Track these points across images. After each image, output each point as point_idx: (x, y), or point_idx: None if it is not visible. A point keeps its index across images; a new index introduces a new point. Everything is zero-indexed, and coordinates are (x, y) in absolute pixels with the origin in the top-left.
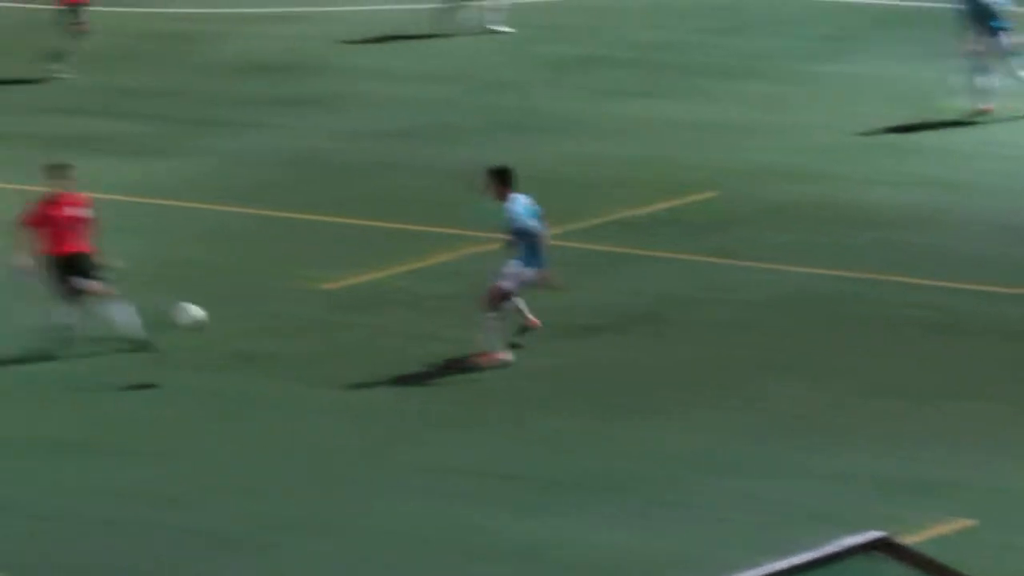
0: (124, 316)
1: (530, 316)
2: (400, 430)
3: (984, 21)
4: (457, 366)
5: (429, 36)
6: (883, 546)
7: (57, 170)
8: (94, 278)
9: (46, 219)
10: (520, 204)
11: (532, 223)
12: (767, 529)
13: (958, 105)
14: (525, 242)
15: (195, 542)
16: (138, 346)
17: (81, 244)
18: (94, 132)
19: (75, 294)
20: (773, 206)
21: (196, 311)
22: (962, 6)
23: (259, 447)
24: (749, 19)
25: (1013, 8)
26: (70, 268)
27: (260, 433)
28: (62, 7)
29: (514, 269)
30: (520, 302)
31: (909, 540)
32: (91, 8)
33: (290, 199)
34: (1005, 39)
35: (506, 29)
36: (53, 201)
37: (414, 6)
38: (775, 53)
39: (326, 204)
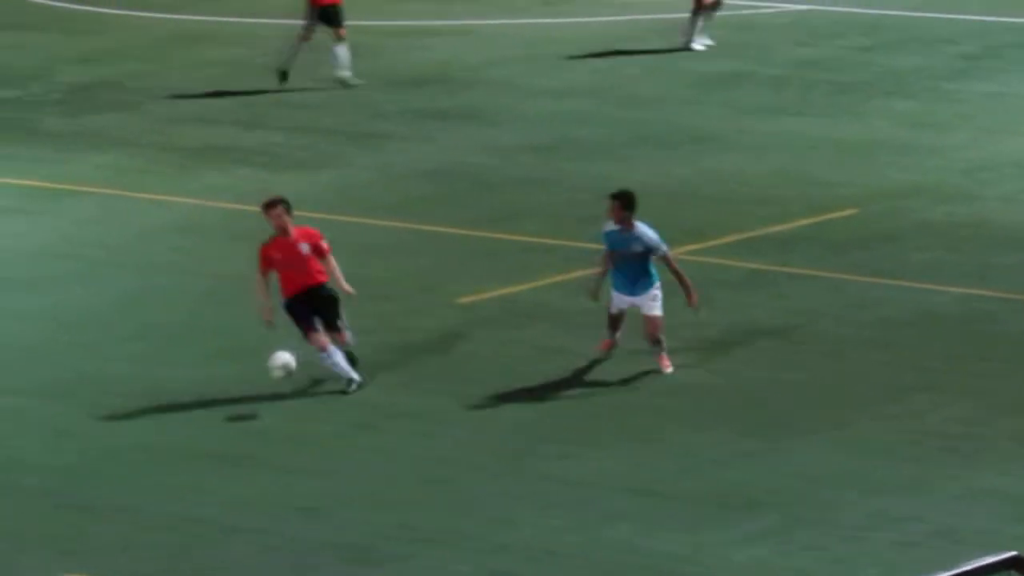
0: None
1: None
2: (538, 444)
3: None
4: (596, 381)
5: (580, 52)
6: (1019, 565)
7: (270, 208)
8: (333, 315)
9: (272, 261)
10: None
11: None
12: (903, 547)
13: None
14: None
15: (331, 554)
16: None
17: (313, 278)
18: (244, 144)
19: (315, 331)
20: (916, 224)
21: (287, 358)
22: None
23: (396, 459)
24: (894, 37)
25: None
26: (306, 305)
27: (397, 445)
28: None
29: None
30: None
31: None
32: (238, 20)
33: (435, 213)
34: None
35: (706, 44)
36: (275, 243)
37: (562, 20)
38: (920, 71)
39: (471, 218)
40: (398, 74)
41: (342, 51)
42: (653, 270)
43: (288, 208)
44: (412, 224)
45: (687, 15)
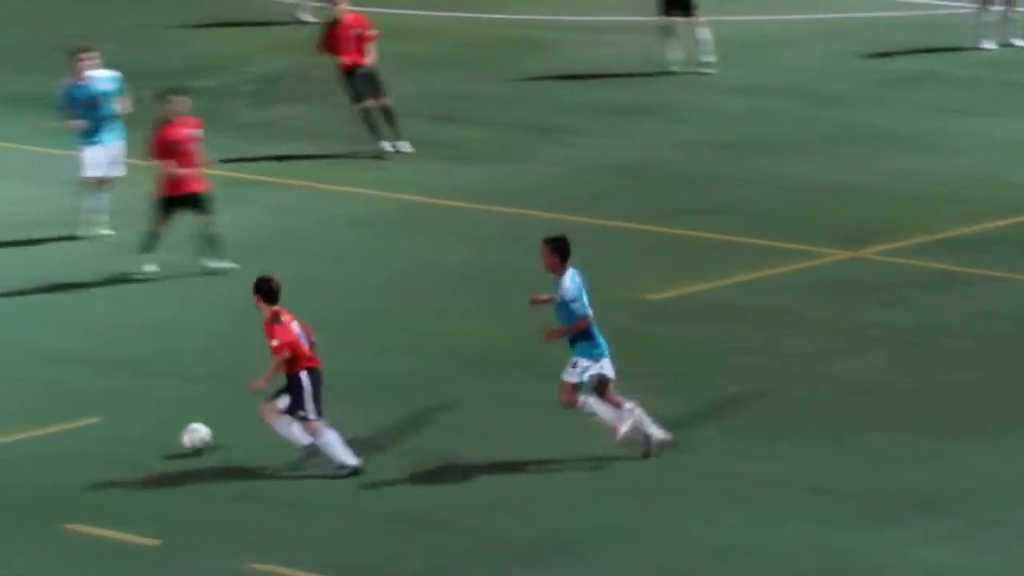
0: None
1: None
2: (720, 441)
3: None
4: (781, 379)
5: (769, 49)
6: None
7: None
8: None
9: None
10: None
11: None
12: None
13: None
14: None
15: (510, 548)
16: None
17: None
18: (429, 137)
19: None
20: None
21: (203, 433)
22: None
23: (585, 456)
24: None
25: None
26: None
27: (584, 441)
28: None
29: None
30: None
31: None
32: (433, 14)
33: (621, 208)
34: None
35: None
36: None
37: (751, 17)
38: None
39: (657, 214)
40: (586, 69)
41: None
42: (584, 335)
43: None
44: (597, 219)
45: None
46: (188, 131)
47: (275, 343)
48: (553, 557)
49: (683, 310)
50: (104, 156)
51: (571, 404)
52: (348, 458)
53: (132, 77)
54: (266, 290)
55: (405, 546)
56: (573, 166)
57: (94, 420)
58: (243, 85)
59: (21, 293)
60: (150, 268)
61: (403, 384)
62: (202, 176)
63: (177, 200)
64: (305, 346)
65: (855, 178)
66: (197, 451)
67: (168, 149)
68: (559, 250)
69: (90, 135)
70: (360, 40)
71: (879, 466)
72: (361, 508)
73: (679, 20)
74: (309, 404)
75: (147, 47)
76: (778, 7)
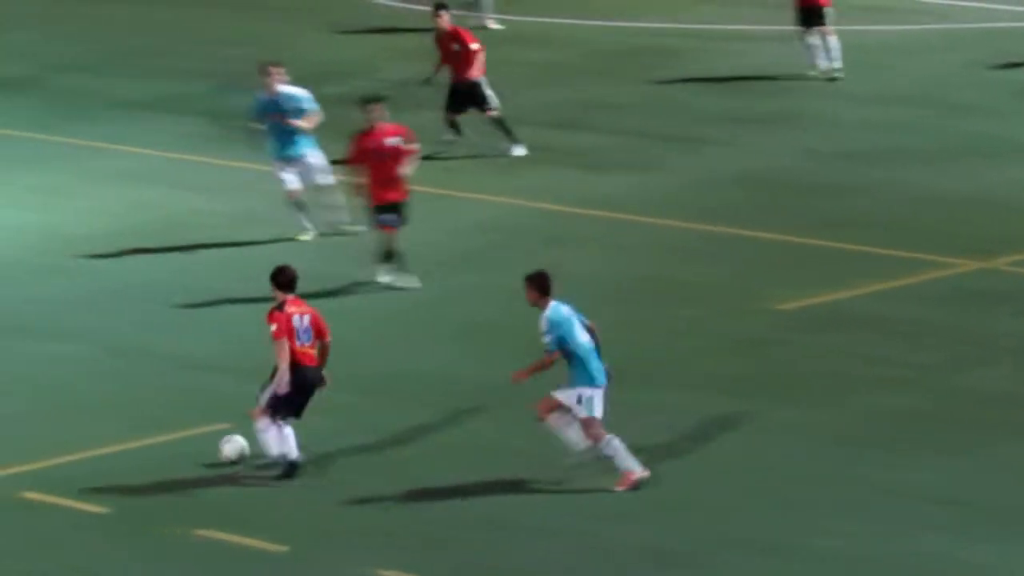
0: None
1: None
2: (859, 453)
3: None
4: (917, 391)
5: (900, 59)
6: None
7: None
8: None
9: None
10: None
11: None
12: None
13: None
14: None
15: (648, 558)
16: None
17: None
18: (559, 145)
19: None
20: None
21: (241, 444)
22: None
23: (711, 464)
24: None
25: None
26: None
27: (713, 450)
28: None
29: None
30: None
31: None
32: (568, 22)
33: (752, 217)
34: None
35: None
36: None
37: (882, 27)
38: None
39: (788, 224)
40: (717, 78)
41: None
42: (575, 366)
43: None
44: (729, 228)
45: None
46: (388, 139)
47: (273, 328)
48: (691, 568)
49: (813, 320)
50: (299, 168)
51: (597, 439)
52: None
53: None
54: (280, 280)
55: (539, 556)
56: (704, 175)
57: (226, 426)
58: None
59: (190, 305)
60: (385, 279)
61: (538, 389)
62: (402, 185)
63: (381, 209)
64: (298, 343)
65: (984, 188)
66: (234, 463)
67: (368, 157)
68: (538, 286)
69: (280, 149)
70: (462, 54)
71: (1011, 478)
72: (494, 516)
73: (812, 29)
74: (265, 396)
75: (274, 54)
76: (905, 17)
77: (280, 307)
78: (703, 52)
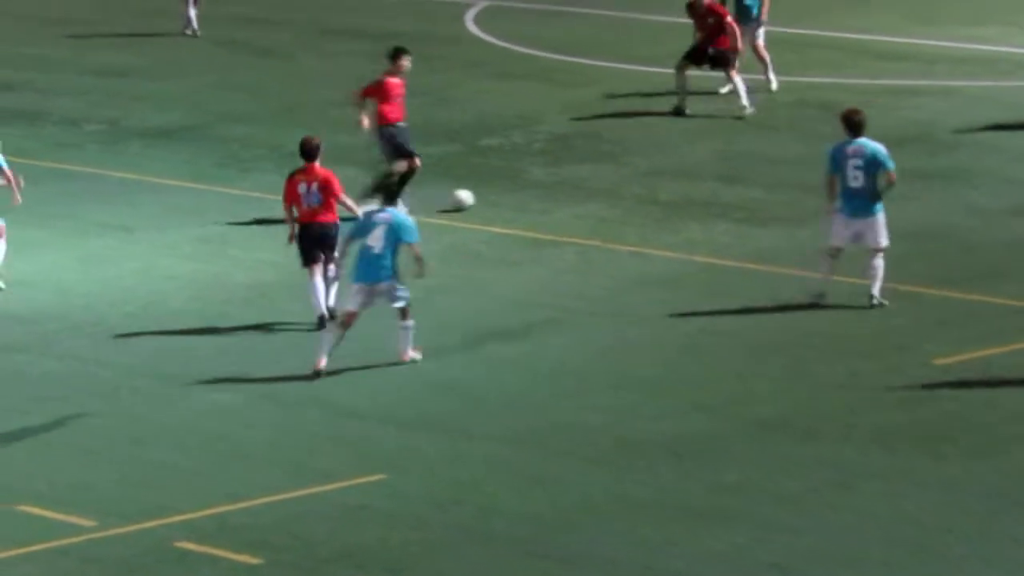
0: None
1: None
2: (1011, 508)
3: None
4: None
5: None
6: None
7: None
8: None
9: None
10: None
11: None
12: None
13: None
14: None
15: None
16: None
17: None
18: (724, 198)
19: None
20: None
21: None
22: None
23: (867, 519)
24: None
25: None
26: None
27: (869, 505)
28: None
29: None
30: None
31: None
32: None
33: (914, 272)
34: None
35: None
36: None
37: None
38: None
39: (950, 278)
40: (882, 133)
41: None
42: None
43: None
44: (889, 283)
45: None
46: None
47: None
48: None
49: (975, 375)
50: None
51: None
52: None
53: (428, 135)
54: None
55: None
56: None
57: (382, 476)
58: (533, 144)
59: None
60: None
61: (697, 445)
62: None
63: None
64: (305, 205)
65: None
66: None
67: None
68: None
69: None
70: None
71: None
72: (651, 570)
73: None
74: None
75: (439, 106)
76: None
77: (291, 175)
78: (867, 107)
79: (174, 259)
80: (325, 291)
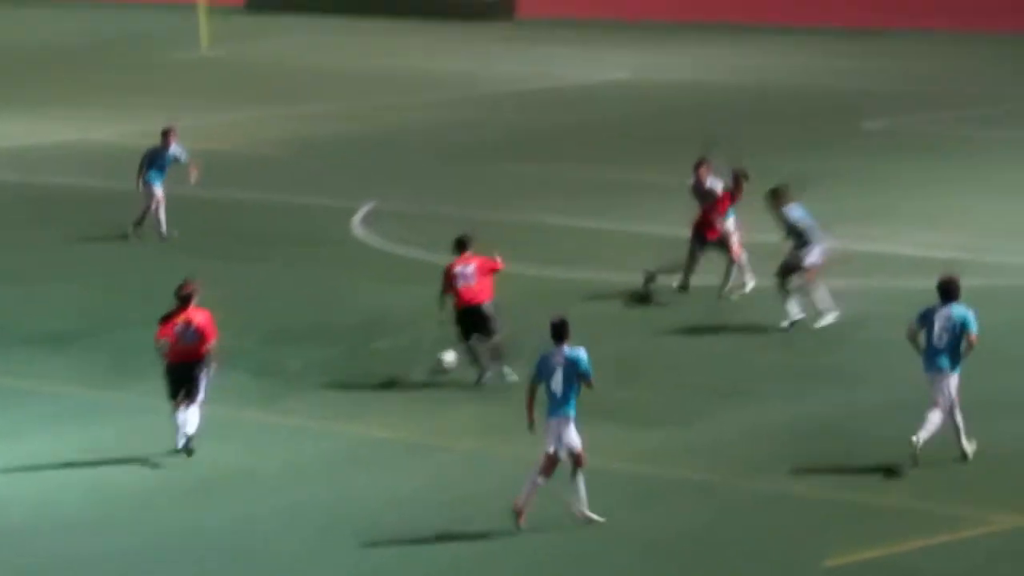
0: None
1: None
2: None
3: None
4: None
5: None
6: None
7: None
8: None
9: None
10: None
11: None
12: None
13: None
14: None
15: None
16: None
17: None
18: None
19: None
20: None
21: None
22: None
23: None
24: None
25: None
26: None
27: None
28: None
29: None
30: None
31: None
32: None
33: (804, 471)
34: None
35: None
36: None
37: None
38: None
39: (841, 478)
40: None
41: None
42: None
43: None
44: (780, 483)
45: None
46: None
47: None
48: None
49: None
50: None
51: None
52: None
53: (314, 336)
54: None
55: None
56: (747, 428)
57: None
58: (420, 345)
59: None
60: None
61: None
62: None
63: None
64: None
65: None
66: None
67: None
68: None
69: None
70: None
71: None
72: None
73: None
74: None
75: (325, 307)
76: None
77: (168, 315)
78: (750, 306)
79: (63, 464)
80: (184, 422)
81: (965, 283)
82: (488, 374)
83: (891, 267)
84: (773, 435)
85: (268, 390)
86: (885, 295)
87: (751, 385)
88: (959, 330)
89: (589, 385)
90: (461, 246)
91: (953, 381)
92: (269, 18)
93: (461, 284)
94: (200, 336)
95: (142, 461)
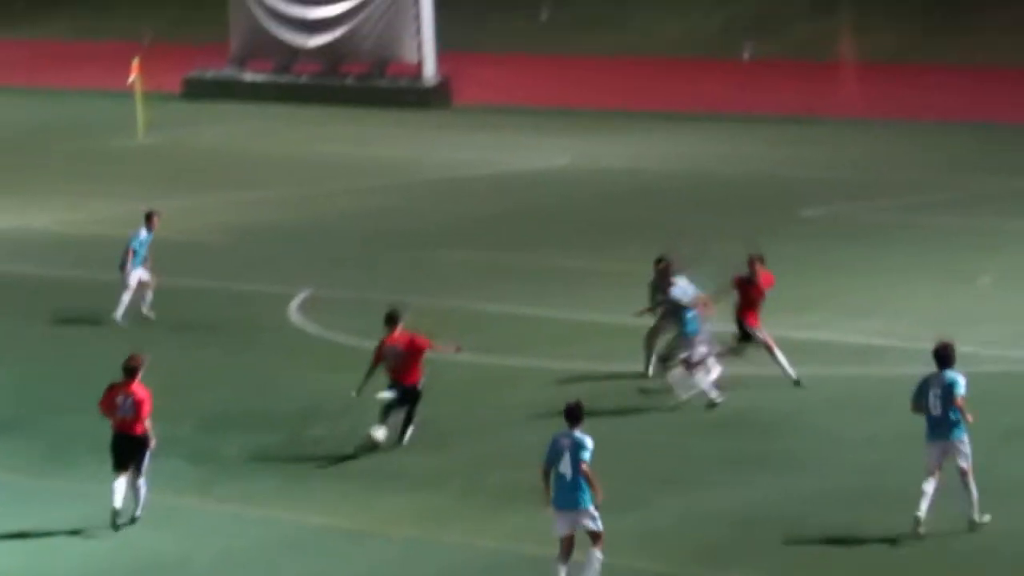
0: None
1: None
2: None
3: None
4: None
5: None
6: None
7: None
8: None
9: None
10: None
11: None
12: None
13: None
14: None
15: None
16: None
17: None
18: None
19: None
20: None
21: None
22: None
23: None
24: None
25: None
26: None
27: None
28: None
29: None
30: None
31: None
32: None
33: (741, 562)
34: None
35: None
36: None
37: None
38: None
39: (783, 567)
40: (709, 417)
41: None
42: None
43: None
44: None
45: None
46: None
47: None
48: None
49: None
50: None
51: None
52: None
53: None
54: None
55: None
56: (685, 515)
57: None
58: (358, 431)
59: None
60: None
61: None
62: None
63: None
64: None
65: None
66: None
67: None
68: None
69: None
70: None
71: None
72: None
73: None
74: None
75: (261, 394)
76: None
77: (112, 386)
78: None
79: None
80: (124, 494)
81: (903, 371)
82: (411, 430)
83: (828, 354)
84: (711, 522)
85: (204, 476)
86: (822, 382)
87: (688, 472)
88: (951, 395)
89: (581, 468)
90: (391, 321)
91: (960, 447)
92: (205, 105)
93: (391, 363)
94: (136, 411)
95: (78, 549)
